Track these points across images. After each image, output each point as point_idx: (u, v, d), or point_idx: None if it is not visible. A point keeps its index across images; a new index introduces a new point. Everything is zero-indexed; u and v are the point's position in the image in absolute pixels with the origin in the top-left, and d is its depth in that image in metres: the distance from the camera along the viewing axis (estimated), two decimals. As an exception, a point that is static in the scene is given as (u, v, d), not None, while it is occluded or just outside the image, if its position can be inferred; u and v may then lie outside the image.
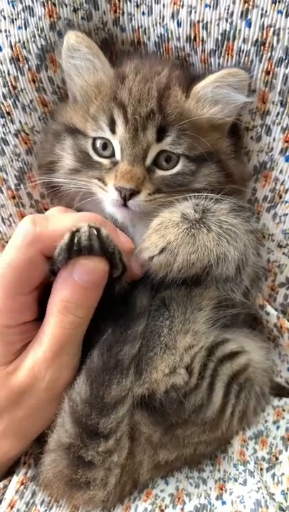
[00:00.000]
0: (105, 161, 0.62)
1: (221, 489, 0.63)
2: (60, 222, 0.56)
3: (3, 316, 0.56)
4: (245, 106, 0.64)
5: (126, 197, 0.59)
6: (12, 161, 0.69)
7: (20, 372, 0.57)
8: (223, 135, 0.64)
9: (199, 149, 0.61)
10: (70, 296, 0.55)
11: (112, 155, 0.62)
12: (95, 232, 0.54)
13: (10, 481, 0.62)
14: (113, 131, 0.61)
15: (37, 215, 0.61)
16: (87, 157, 0.63)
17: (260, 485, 0.60)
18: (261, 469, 0.63)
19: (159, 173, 0.61)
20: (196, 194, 0.61)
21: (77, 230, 0.53)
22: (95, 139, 0.63)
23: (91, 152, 0.63)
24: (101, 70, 0.63)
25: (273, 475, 0.63)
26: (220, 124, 0.63)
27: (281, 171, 0.65)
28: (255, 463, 0.64)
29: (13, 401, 0.58)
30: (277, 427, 0.68)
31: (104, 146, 0.62)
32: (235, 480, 0.63)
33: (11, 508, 0.59)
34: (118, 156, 0.61)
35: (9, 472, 0.63)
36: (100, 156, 0.63)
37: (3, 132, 0.67)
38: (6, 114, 0.66)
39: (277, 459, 0.64)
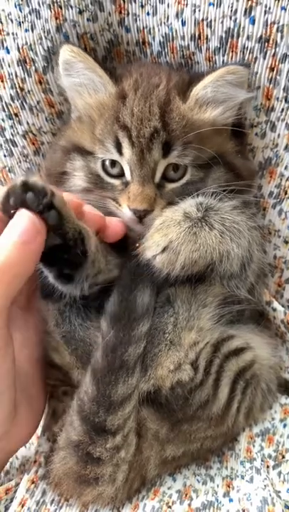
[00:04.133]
0: (116, 182, 0.63)
1: (228, 486, 0.63)
2: None
3: None
4: (248, 103, 0.64)
5: (141, 216, 0.61)
6: (20, 161, 0.71)
7: None
8: (226, 136, 0.65)
9: (206, 156, 0.61)
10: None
11: (122, 174, 0.63)
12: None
13: (21, 479, 0.63)
14: (120, 152, 0.61)
15: None
16: (98, 179, 0.64)
17: (267, 482, 0.60)
18: (268, 467, 0.63)
19: (169, 186, 0.62)
20: (202, 191, 0.61)
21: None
22: (104, 160, 0.63)
23: (102, 174, 0.64)
24: (101, 88, 0.63)
25: (279, 473, 0.62)
26: (222, 124, 0.64)
27: (286, 167, 0.65)
28: (262, 460, 0.64)
29: None
30: (284, 425, 0.67)
31: (113, 164, 0.63)
32: (242, 477, 0.63)
33: (22, 506, 0.60)
34: (128, 176, 0.62)
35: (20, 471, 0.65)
36: (111, 176, 0.63)
37: (12, 133, 0.69)
38: (13, 116, 0.68)
39: (283, 457, 0.64)
